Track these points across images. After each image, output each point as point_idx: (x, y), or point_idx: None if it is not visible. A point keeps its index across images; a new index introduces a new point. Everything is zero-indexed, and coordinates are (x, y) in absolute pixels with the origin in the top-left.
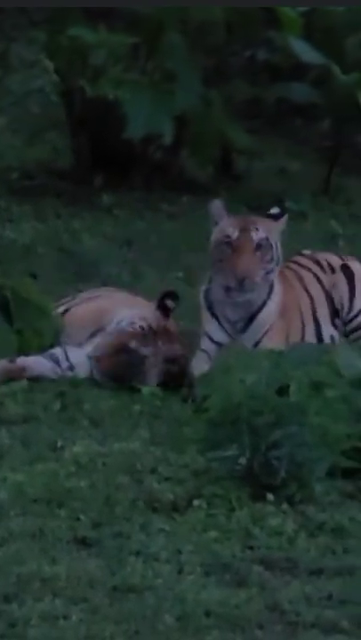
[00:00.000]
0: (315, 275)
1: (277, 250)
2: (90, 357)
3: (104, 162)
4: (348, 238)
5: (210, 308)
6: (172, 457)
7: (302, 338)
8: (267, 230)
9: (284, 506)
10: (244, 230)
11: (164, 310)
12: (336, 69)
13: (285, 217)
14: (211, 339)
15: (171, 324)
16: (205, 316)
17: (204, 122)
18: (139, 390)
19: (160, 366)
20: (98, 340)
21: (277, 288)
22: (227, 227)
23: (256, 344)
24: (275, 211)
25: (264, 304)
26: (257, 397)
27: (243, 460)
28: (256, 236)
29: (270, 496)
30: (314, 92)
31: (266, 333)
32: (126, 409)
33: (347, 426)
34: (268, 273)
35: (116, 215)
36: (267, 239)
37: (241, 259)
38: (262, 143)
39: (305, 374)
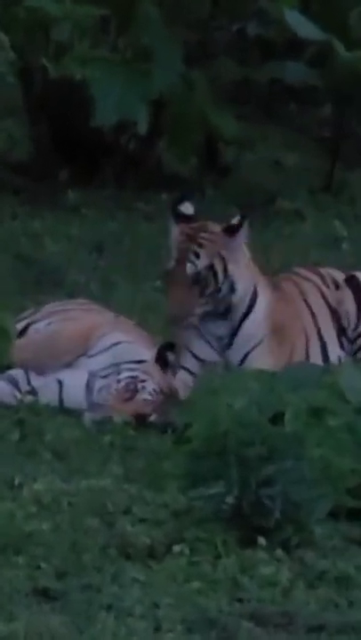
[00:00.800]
0: (318, 288)
1: (236, 269)
2: (94, 403)
3: (69, 153)
4: (354, 242)
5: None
6: (148, 495)
7: (307, 358)
8: (211, 254)
9: (279, 552)
10: (180, 261)
11: (163, 364)
12: (338, 46)
13: (244, 228)
14: (195, 356)
15: (170, 379)
16: (189, 330)
17: (185, 107)
18: (110, 418)
19: None
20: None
21: (263, 298)
22: (171, 248)
23: (243, 360)
24: (235, 221)
25: (246, 316)
26: (247, 425)
27: (230, 499)
28: (193, 267)
29: (262, 540)
30: (312, 73)
31: (255, 348)
32: (95, 440)
33: (352, 459)
34: (218, 302)
35: (83, 215)
36: (210, 267)
37: (172, 295)
38: (253, 131)
39: (303, 399)
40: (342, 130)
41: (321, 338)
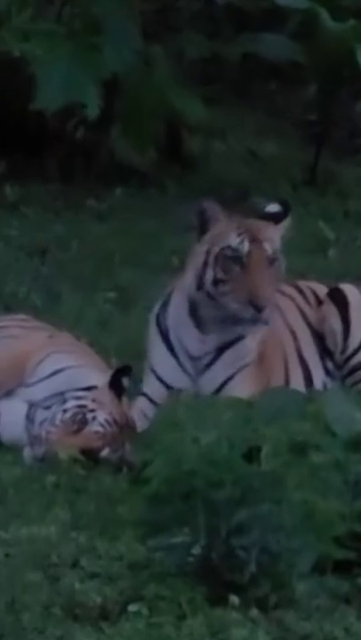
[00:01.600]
0: (297, 305)
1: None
2: (36, 434)
3: (6, 142)
4: (343, 246)
5: (165, 339)
6: (100, 545)
7: (286, 383)
8: (275, 240)
9: (254, 612)
10: (256, 242)
11: (117, 390)
12: (324, 15)
13: (288, 218)
14: (160, 379)
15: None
16: (156, 348)
17: (142, 88)
18: (54, 454)
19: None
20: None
21: None
22: (229, 235)
23: (221, 388)
24: (273, 209)
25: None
26: (216, 463)
27: (197, 550)
28: (270, 248)
29: (235, 599)
30: (294, 47)
31: (237, 374)
32: (37, 480)
33: (340, 503)
34: None
35: (23, 214)
36: (277, 252)
37: (258, 281)
38: (224, 117)
39: (282, 431)
40: (329, 113)
41: (303, 362)
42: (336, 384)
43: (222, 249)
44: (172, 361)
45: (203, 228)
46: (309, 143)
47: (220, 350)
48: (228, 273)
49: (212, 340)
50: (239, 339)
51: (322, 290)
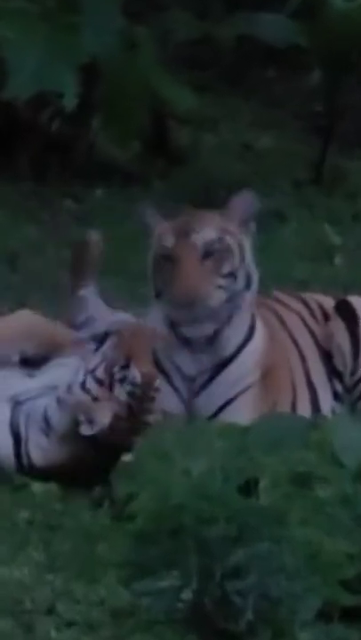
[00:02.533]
0: (303, 321)
1: (248, 263)
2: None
3: None
4: (350, 252)
5: (153, 359)
6: (78, 589)
7: (292, 407)
8: (221, 229)
9: None
10: (183, 235)
11: None
12: None
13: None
14: None
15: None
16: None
17: (125, 74)
18: (25, 486)
19: None
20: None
21: (261, 329)
22: (162, 235)
23: (219, 412)
24: (239, 198)
25: (240, 349)
26: (209, 497)
27: (187, 595)
28: (200, 238)
29: None
30: (296, 28)
31: (238, 397)
32: (8, 516)
33: (348, 542)
34: (232, 296)
35: None
36: (220, 241)
37: (183, 271)
38: (215, 106)
39: (283, 461)
40: (335, 103)
41: (311, 386)
42: (345, 409)
43: (156, 251)
44: (164, 383)
45: (147, 235)
46: (313, 137)
47: (217, 369)
48: (163, 275)
49: (207, 358)
50: (237, 354)
51: (329, 303)
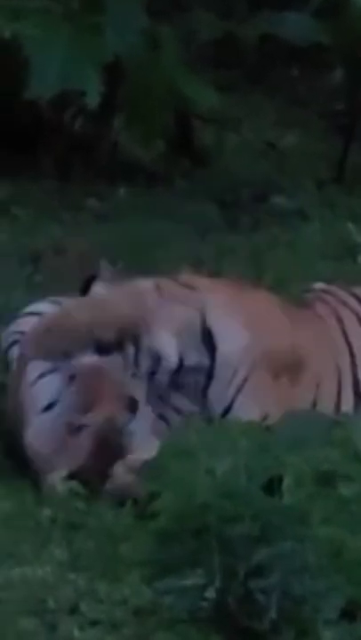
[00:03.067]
0: (357, 316)
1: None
2: None
3: None
4: None
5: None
6: (101, 588)
7: (337, 408)
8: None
9: None
10: None
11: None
12: None
13: None
14: (173, 407)
15: None
16: None
17: (149, 73)
18: (49, 485)
19: None
20: None
21: (224, 324)
22: None
23: (229, 408)
24: None
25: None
26: (232, 496)
27: (211, 593)
28: None
29: None
30: (318, 28)
31: (240, 391)
32: (32, 515)
33: None
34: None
35: (15, 216)
36: None
37: None
38: (239, 105)
39: (306, 460)
40: (358, 101)
41: (357, 384)
42: None
43: None
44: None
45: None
46: (336, 135)
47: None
48: None
49: None
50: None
51: None
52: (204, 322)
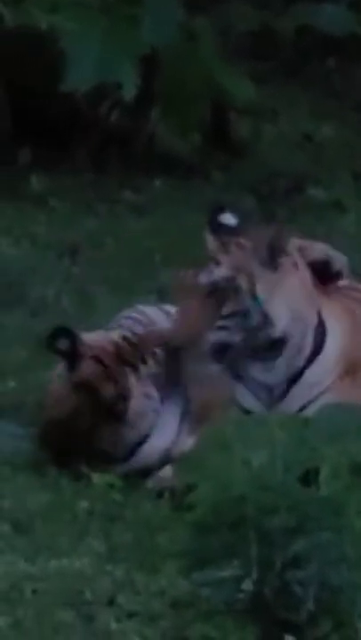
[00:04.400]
0: None
1: (276, 296)
2: None
3: (32, 128)
4: None
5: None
6: (138, 580)
7: None
8: (237, 267)
9: None
10: (196, 271)
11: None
12: None
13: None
14: (240, 407)
15: None
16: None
17: (185, 65)
18: (86, 477)
19: None
20: None
21: (335, 334)
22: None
23: (302, 410)
24: (228, 220)
25: (311, 360)
26: (269, 488)
27: (248, 585)
28: (208, 276)
29: (291, 639)
30: (355, 19)
31: (319, 397)
32: (69, 507)
33: None
34: (247, 336)
35: (51, 208)
36: (231, 280)
37: (179, 311)
38: (275, 97)
39: (343, 452)
40: None
41: None
42: None
43: None
44: (245, 389)
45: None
46: None
47: (294, 377)
48: None
49: (275, 371)
50: (309, 364)
51: None
52: (320, 313)
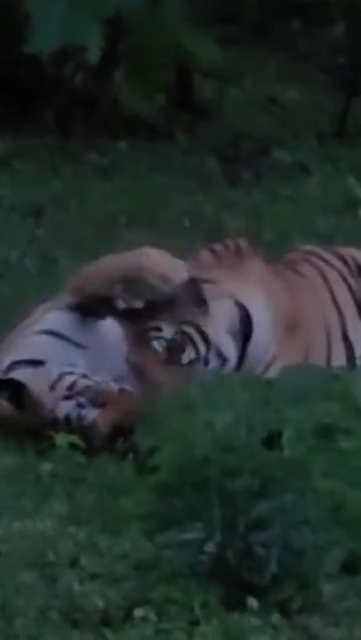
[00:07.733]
0: (342, 276)
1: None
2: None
3: None
4: None
5: None
6: (101, 542)
7: (327, 363)
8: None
9: (275, 617)
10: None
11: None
12: None
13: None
14: None
15: None
16: None
17: (150, 27)
18: (49, 439)
19: None
20: None
21: (262, 314)
22: None
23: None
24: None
25: (245, 342)
26: (233, 450)
27: (211, 547)
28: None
29: (253, 602)
30: None
31: (270, 366)
32: (32, 469)
33: None
34: None
35: (16, 170)
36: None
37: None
38: (241, 60)
39: (307, 414)
40: (359, 56)
41: (346, 341)
42: None
43: None
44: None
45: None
46: (337, 90)
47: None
48: None
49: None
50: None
51: None
52: (241, 307)
